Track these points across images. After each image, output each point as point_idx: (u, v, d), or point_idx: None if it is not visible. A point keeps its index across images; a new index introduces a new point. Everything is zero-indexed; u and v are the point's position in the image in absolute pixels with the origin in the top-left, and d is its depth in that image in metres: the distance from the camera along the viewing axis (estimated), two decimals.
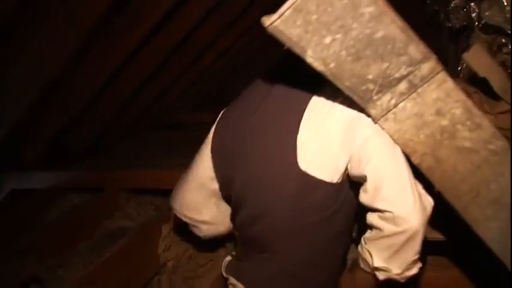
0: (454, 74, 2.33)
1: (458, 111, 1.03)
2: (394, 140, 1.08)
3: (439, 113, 1.04)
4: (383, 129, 1.08)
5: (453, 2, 2.25)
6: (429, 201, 1.11)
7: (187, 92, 4.26)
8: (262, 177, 1.26)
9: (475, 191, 1.07)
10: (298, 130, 1.18)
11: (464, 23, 2.15)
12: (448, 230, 1.46)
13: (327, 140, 1.17)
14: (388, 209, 1.07)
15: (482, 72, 1.53)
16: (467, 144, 1.04)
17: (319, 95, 1.20)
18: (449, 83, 1.02)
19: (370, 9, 0.92)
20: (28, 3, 1.79)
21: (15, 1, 1.72)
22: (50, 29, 2.04)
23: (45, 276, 2.06)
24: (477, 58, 1.57)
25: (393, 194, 1.09)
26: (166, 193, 2.60)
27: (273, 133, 1.24)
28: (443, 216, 1.15)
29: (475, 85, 1.62)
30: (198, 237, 1.61)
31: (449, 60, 2.67)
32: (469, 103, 1.03)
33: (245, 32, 3.93)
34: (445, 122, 1.04)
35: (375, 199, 1.10)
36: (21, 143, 2.67)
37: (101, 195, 2.75)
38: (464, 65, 2.11)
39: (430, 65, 1.01)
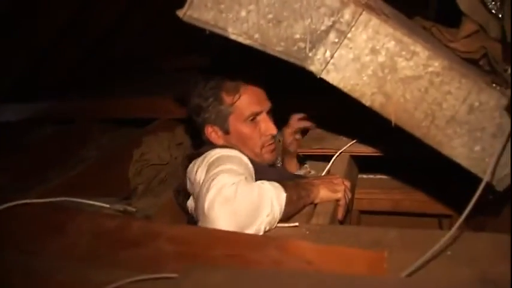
0: None
1: (390, 45, 1.06)
2: (340, 88, 1.11)
3: (373, 51, 1.07)
4: (328, 81, 1.11)
5: None
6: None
7: (169, 35, 4.10)
8: None
9: (430, 115, 1.09)
10: None
11: None
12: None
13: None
14: None
15: None
16: (408, 73, 1.07)
17: None
18: (375, 20, 1.05)
19: None
20: None
21: None
22: None
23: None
24: None
25: None
26: (140, 123, 2.65)
27: None
28: None
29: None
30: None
31: None
32: (399, 34, 1.05)
33: None
34: (382, 59, 1.07)
35: None
36: None
37: (72, 126, 2.76)
38: None
39: (350, 9, 1.03)
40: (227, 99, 1.56)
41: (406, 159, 1.70)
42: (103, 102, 2.76)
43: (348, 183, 1.41)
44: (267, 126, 1.60)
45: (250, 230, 1.15)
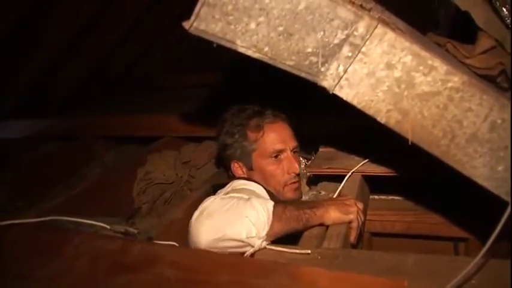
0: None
1: (407, 59, 1.01)
2: (354, 104, 1.06)
3: (389, 66, 1.01)
4: (341, 97, 1.06)
5: None
6: None
7: (171, 52, 4.15)
8: None
9: (449, 133, 1.03)
10: None
11: None
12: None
13: None
14: None
15: (463, 6, 1.49)
16: (426, 88, 1.01)
17: None
18: (390, 34, 1.00)
19: None
20: None
21: None
22: None
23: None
24: None
25: None
26: (145, 141, 2.60)
27: None
28: None
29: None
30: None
31: None
32: (416, 48, 1.00)
33: None
34: (398, 74, 1.02)
35: None
36: None
37: (75, 143, 2.72)
38: None
39: (365, 22, 0.99)
40: (251, 136, 1.63)
41: (421, 179, 1.64)
42: (107, 120, 2.72)
43: (360, 205, 1.34)
44: (290, 165, 1.62)
45: (231, 231, 1.16)
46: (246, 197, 1.29)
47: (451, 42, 1.56)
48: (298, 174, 1.63)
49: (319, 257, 1.05)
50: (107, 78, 3.51)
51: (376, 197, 1.88)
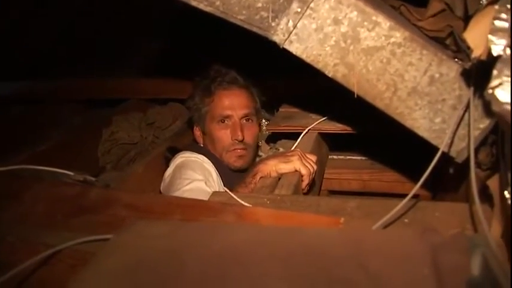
0: None
1: (353, 15, 1.06)
2: (303, 58, 1.11)
3: (336, 21, 1.07)
4: (291, 52, 1.11)
5: None
6: None
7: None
8: None
9: (392, 87, 1.10)
10: None
11: None
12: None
13: None
14: None
15: None
16: (371, 43, 1.07)
17: None
18: None
19: None
20: None
21: None
22: None
23: None
24: None
25: None
26: (112, 105, 2.60)
27: None
28: None
29: None
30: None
31: None
32: (361, 4, 1.05)
33: None
34: (344, 29, 1.07)
35: None
36: None
37: (42, 106, 2.71)
38: None
39: None
40: (206, 100, 1.70)
41: (376, 137, 1.72)
42: (74, 83, 2.70)
43: (313, 157, 1.41)
44: (233, 131, 1.67)
45: None
46: None
47: (404, 5, 1.62)
48: (242, 141, 1.68)
49: (268, 202, 1.11)
50: (74, 42, 3.46)
51: (335, 156, 1.96)
